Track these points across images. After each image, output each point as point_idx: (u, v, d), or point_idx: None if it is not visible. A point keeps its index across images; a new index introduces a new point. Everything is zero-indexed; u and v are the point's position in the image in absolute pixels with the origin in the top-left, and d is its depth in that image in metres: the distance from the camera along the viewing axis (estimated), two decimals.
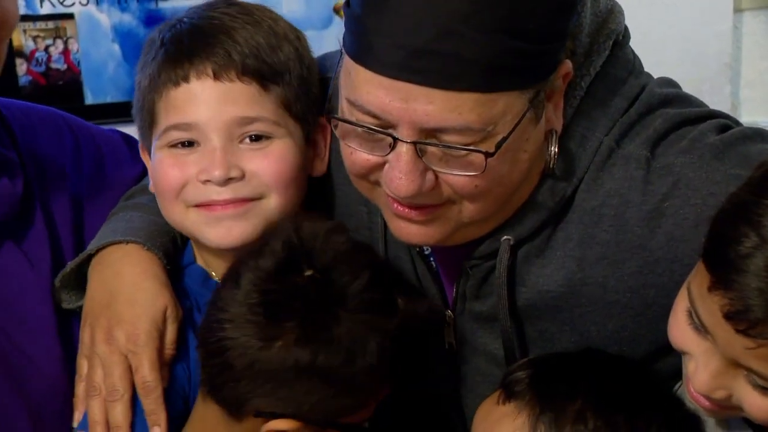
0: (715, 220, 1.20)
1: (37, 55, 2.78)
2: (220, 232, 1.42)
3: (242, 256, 1.39)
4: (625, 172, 1.30)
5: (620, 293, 1.32)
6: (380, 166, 1.24)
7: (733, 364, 1.21)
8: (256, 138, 1.42)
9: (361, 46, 1.18)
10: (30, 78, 2.77)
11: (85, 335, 1.41)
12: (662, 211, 1.28)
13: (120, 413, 1.38)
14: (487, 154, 1.18)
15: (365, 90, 1.19)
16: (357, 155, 1.25)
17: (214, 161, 1.39)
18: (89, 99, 2.83)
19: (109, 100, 2.84)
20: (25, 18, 2.69)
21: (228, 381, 1.36)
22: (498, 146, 1.18)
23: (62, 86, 2.79)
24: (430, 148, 1.19)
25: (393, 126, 1.19)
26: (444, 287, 1.43)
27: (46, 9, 2.78)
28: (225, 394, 1.38)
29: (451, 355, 1.45)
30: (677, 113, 1.33)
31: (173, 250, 1.51)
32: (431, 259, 1.44)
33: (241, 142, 1.41)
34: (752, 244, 1.12)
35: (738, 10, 2.87)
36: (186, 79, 1.40)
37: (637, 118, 1.33)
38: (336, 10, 2.85)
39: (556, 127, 1.27)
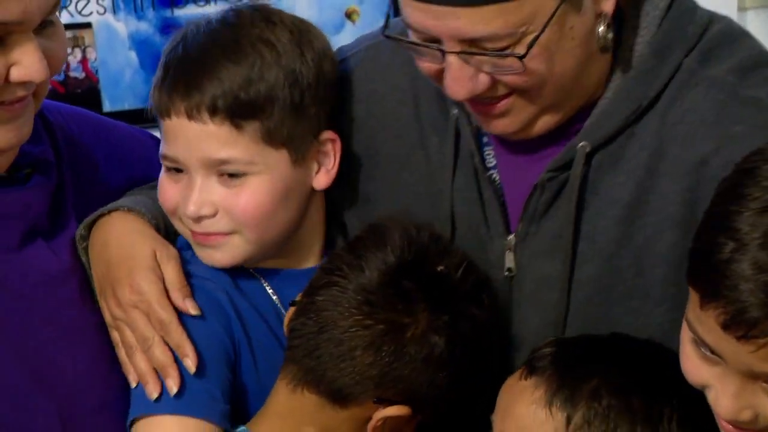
0: (694, 239, 1.21)
1: None
2: (204, 256, 1.49)
3: (355, 247, 1.46)
4: (707, 94, 1.37)
5: (677, 206, 1.36)
6: (443, 72, 1.35)
7: (749, 379, 1.20)
8: (231, 174, 1.45)
9: None
10: (49, 87, 2.79)
11: (104, 310, 1.47)
12: (733, 134, 1.33)
13: (159, 355, 1.43)
14: (520, 57, 1.28)
15: (408, 13, 1.32)
16: (423, 63, 1.38)
17: (189, 198, 1.45)
18: (107, 106, 2.85)
19: (126, 107, 2.86)
20: None
21: (346, 371, 1.40)
22: (529, 46, 1.28)
23: (80, 94, 2.81)
24: (473, 55, 1.31)
25: (439, 40, 1.32)
26: (508, 213, 1.48)
27: (64, 18, 2.75)
28: (337, 384, 1.41)
29: (508, 282, 1.49)
30: (765, 51, 1.40)
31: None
32: (499, 184, 1.49)
33: (219, 176, 1.45)
34: (731, 249, 1.14)
35: (742, 8, 2.90)
36: (168, 115, 1.44)
37: (718, 44, 1.39)
38: (348, 15, 2.87)
39: (605, 9, 1.33)
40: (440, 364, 1.41)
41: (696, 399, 1.30)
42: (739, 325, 1.14)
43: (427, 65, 1.38)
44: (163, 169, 1.49)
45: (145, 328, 1.44)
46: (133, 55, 2.86)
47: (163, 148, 1.47)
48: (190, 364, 1.42)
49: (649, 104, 1.39)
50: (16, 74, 1.33)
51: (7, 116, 1.37)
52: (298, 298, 1.48)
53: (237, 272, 1.52)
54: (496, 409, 1.42)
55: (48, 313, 1.46)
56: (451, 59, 1.32)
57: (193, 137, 1.43)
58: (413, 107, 1.54)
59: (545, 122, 1.40)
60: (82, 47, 2.81)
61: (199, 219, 1.45)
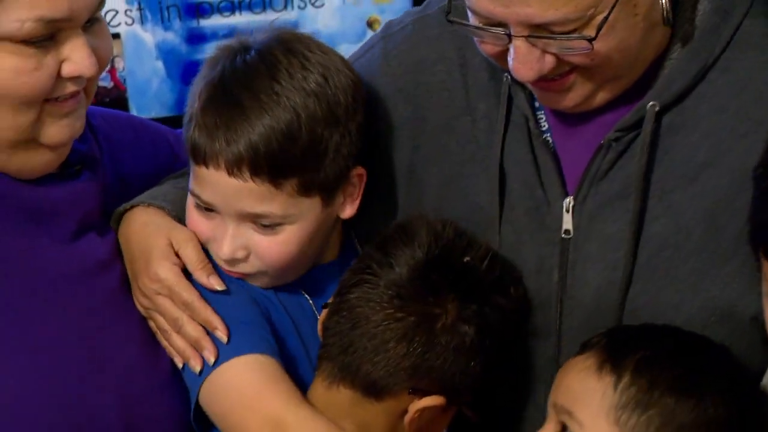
0: (758, 211, 1.25)
1: None
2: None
3: (384, 245, 1.48)
4: None
5: (748, 164, 1.35)
6: (506, 52, 1.37)
7: None
8: (266, 224, 1.46)
9: None
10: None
11: (136, 302, 1.52)
12: None
13: (192, 331, 1.47)
14: (590, 39, 1.30)
15: (474, 1, 1.35)
16: (485, 45, 1.40)
17: (223, 243, 1.47)
18: (135, 114, 2.76)
19: (153, 115, 2.80)
20: None
21: (380, 364, 1.43)
22: (599, 28, 1.30)
23: (109, 103, 2.80)
24: (541, 39, 1.33)
25: (503, 24, 1.33)
26: (563, 175, 1.49)
27: None
28: (372, 377, 1.44)
29: (565, 244, 1.49)
30: None
31: None
32: (553, 146, 1.50)
33: (253, 222, 1.46)
34: None
35: None
36: (205, 164, 1.43)
37: None
38: (369, 24, 2.88)
39: None
40: (471, 353, 1.44)
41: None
42: None
43: (489, 47, 1.39)
44: (191, 200, 1.50)
45: (173, 311, 1.48)
46: (160, 65, 2.87)
47: (195, 189, 1.47)
48: (221, 335, 1.46)
49: (714, 62, 1.41)
50: (67, 69, 1.37)
51: (61, 112, 1.41)
52: (330, 300, 1.50)
53: None
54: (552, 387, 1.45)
55: (104, 297, 1.50)
56: (518, 43, 1.34)
57: (232, 192, 1.43)
58: (460, 76, 1.55)
59: (605, 95, 1.42)
60: (111, 57, 2.82)
61: (232, 262, 1.48)
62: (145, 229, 1.53)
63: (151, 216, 1.54)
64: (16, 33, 1.32)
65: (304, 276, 1.55)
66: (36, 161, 1.43)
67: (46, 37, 1.35)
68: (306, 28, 2.71)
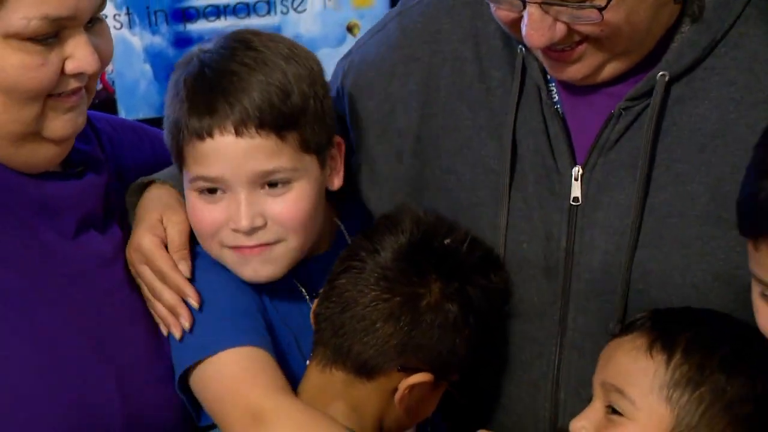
0: (739, 192, 1.26)
1: None
2: (250, 272, 1.53)
3: (370, 234, 1.53)
4: None
5: (754, 136, 1.34)
6: (519, 20, 1.39)
7: None
8: (277, 184, 1.49)
9: None
10: None
11: (131, 269, 1.56)
12: None
13: (168, 298, 1.51)
14: (600, 8, 1.32)
15: None
16: (500, 12, 1.42)
17: (240, 213, 1.48)
18: (123, 115, 2.83)
19: (141, 116, 2.83)
20: None
21: (369, 343, 1.47)
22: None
23: (99, 104, 2.72)
24: (553, 6, 1.35)
25: None
26: (573, 145, 1.51)
27: None
28: (362, 356, 1.47)
29: (573, 211, 1.51)
30: None
31: None
32: (563, 116, 1.52)
33: (262, 187, 1.49)
34: None
35: None
36: (210, 134, 1.46)
37: None
38: (349, 29, 2.87)
39: None
40: (456, 330, 1.48)
41: None
42: None
43: (503, 13, 1.41)
44: (192, 194, 1.52)
45: (152, 279, 1.52)
46: (147, 68, 2.87)
47: (200, 170, 1.49)
48: (194, 302, 1.49)
49: (723, 36, 1.42)
50: (70, 66, 1.40)
51: (64, 107, 1.43)
52: (321, 290, 1.54)
53: None
54: (596, 369, 1.46)
55: (106, 292, 1.53)
56: (532, 9, 1.36)
57: (242, 153, 1.46)
58: (473, 45, 1.57)
59: (612, 69, 1.44)
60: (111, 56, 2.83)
61: (251, 231, 1.49)
62: (149, 203, 1.58)
63: (161, 191, 1.59)
64: (22, 30, 1.35)
65: (298, 267, 1.57)
66: (41, 155, 1.46)
67: (51, 35, 1.37)
68: (288, 33, 2.70)
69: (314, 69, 1.53)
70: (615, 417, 1.42)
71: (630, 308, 1.49)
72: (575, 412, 1.48)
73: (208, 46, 1.54)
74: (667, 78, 1.43)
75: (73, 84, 1.42)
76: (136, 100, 2.90)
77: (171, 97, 1.53)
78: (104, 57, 1.46)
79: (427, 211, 1.54)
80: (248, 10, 2.84)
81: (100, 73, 1.47)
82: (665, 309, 1.45)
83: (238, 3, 2.89)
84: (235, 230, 1.49)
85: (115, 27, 2.84)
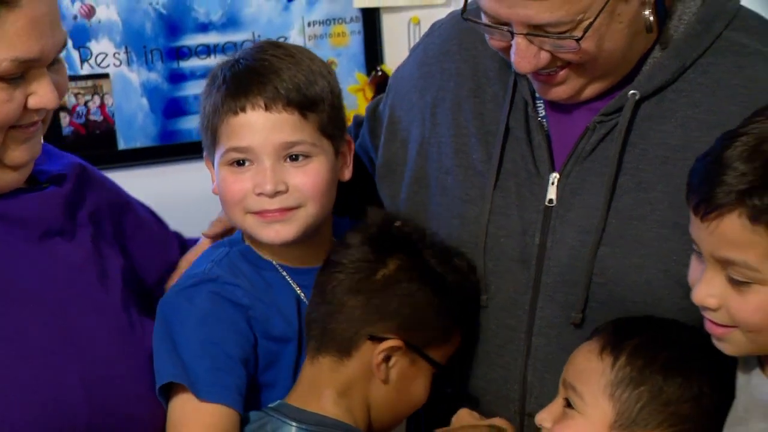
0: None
1: (78, 108, 2.91)
2: (271, 233, 1.63)
3: (344, 237, 1.64)
4: (748, 59, 1.50)
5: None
6: (510, 47, 1.50)
7: (718, 268, 1.28)
8: (298, 157, 1.61)
9: None
10: (72, 128, 2.91)
11: None
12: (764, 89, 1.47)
13: None
14: (577, 39, 1.43)
15: (483, 2, 1.49)
16: (493, 41, 1.53)
17: (266, 178, 1.59)
18: (122, 145, 2.96)
19: (138, 145, 2.98)
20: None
21: (340, 319, 1.55)
22: (585, 30, 1.43)
23: (99, 135, 2.94)
24: (537, 37, 1.46)
25: (508, 23, 1.47)
26: (553, 154, 1.60)
27: (85, 70, 2.92)
28: (337, 335, 1.55)
29: (548, 211, 1.59)
30: None
31: None
32: (547, 129, 1.61)
33: (285, 160, 1.60)
34: (708, 158, 1.28)
35: None
36: (243, 110, 1.58)
37: (752, 16, 1.54)
38: None
39: None
40: (412, 296, 1.57)
41: (728, 367, 1.40)
42: (698, 208, 1.27)
43: (496, 42, 1.53)
44: (223, 169, 1.62)
45: None
46: (144, 101, 2.96)
47: (232, 142, 1.60)
48: None
49: (692, 63, 1.51)
50: (33, 102, 1.45)
51: (23, 137, 1.49)
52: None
53: (263, 270, 1.67)
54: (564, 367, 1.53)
55: (76, 293, 1.56)
56: (519, 40, 1.47)
57: (270, 126, 1.59)
58: (473, 64, 1.70)
59: (593, 90, 1.54)
60: (101, 94, 2.92)
61: (275, 194, 1.59)
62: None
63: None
64: None
65: (300, 278, 1.68)
66: (1, 180, 1.51)
67: (18, 75, 1.43)
68: None
69: (332, 72, 1.68)
70: (569, 410, 1.50)
71: (591, 300, 1.56)
72: (542, 395, 1.58)
73: (235, 54, 1.69)
74: (637, 96, 1.53)
75: (34, 117, 1.48)
76: (134, 131, 2.99)
77: (208, 88, 1.64)
78: (62, 92, 1.51)
79: (398, 213, 1.67)
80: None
81: (57, 107, 1.52)
82: (626, 318, 1.51)
83: (226, 42, 3.01)
84: (260, 194, 1.60)
85: (115, 64, 2.94)
